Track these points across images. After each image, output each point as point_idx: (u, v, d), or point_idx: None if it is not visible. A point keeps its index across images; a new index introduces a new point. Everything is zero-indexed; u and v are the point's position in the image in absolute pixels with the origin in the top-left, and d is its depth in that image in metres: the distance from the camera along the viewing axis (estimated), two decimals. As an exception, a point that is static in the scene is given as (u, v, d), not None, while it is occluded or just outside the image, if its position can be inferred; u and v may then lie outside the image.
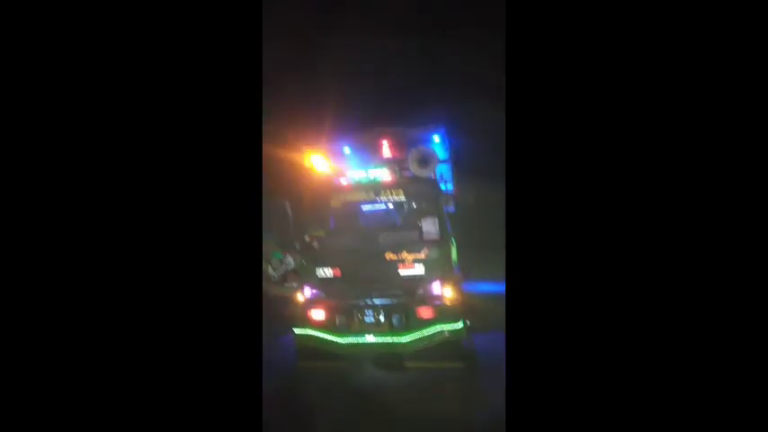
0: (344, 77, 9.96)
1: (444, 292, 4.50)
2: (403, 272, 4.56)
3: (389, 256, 4.59)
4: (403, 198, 4.86)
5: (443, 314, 4.42)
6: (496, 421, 2.73)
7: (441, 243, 4.61)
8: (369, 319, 4.54)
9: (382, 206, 4.97)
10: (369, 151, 4.94)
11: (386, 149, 4.82)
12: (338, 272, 4.69)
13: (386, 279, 4.56)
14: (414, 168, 4.70)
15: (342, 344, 4.53)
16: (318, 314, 4.65)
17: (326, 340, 4.58)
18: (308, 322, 4.67)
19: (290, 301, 4.97)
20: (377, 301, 4.54)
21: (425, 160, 4.74)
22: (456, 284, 4.59)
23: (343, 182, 4.98)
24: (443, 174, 5.45)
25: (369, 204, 4.98)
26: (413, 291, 4.53)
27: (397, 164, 4.90)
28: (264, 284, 5.17)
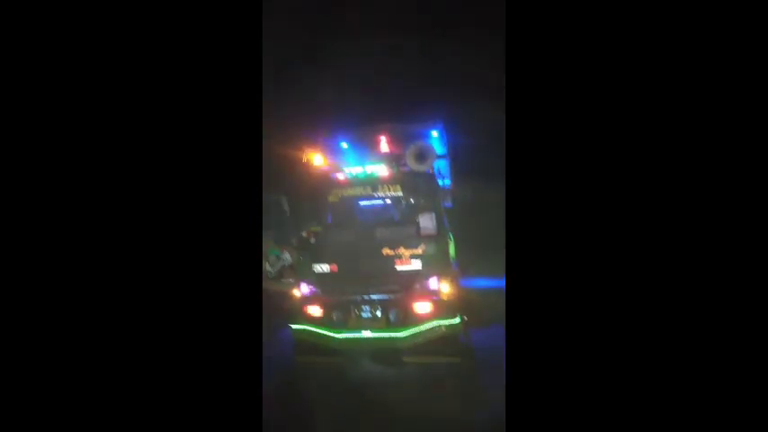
0: (344, 77, 9.98)
1: (441, 287, 4.47)
2: (400, 267, 4.54)
3: (387, 251, 4.56)
4: (400, 193, 4.84)
5: (440, 309, 4.40)
6: (494, 417, 2.72)
7: (438, 238, 4.58)
8: (366, 314, 4.53)
9: (380, 201, 4.96)
10: (366, 146, 4.92)
11: (383, 144, 4.80)
12: (335, 267, 4.67)
13: (383, 274, 4.54)
14: (411, 164, 4.68)
15: (339, 339, 4.51)
16: (315, 310, 4.64)
17: (323, 336, 4.57)
18: (305, 318, 4.66)
19: (287, 296, 4.95)
20: (374, 297, 4.53)
21: (423, 155, 4.72)
22: (453, 280, 4.57)
23: (341, 177, 4.96)
24: (441, 169, 5.43)
25: (366, 200, 4.96)
26: (410, 286, 4.51)
27: (394, 159, 4.87)
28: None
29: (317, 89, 9.79)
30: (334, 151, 5.00)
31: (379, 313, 4.49)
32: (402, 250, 4.55)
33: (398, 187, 4.82)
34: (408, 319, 4.42)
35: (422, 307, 4.42)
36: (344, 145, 5.02)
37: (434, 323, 4.37)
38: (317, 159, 4.81)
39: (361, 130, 5.02)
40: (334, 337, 4.53)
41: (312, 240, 4.84)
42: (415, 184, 4.80)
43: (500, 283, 1.85)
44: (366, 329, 4.47)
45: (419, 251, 4.52)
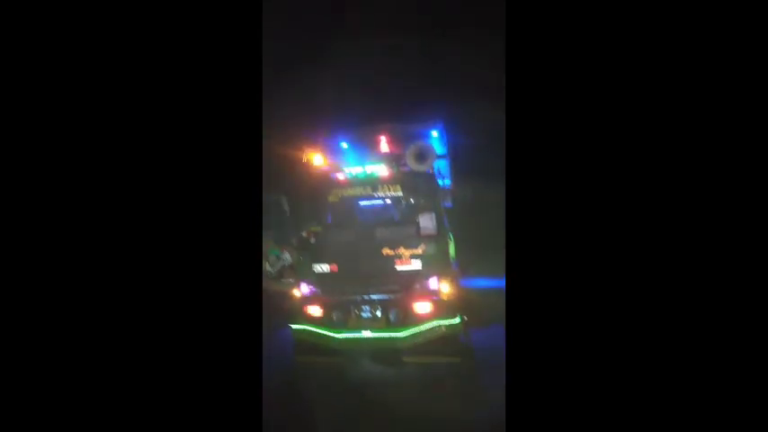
0: (344, 77, 9.98)
1: (441, 287, 4.47)
2: (400, 267, 4.53)
3: (387, 251, 4.56)
4: (400, 193, 4.83)
5: (440, 309, 4.39)
6: (494, 417, 2.71)
7: (438, 238, 4.58)
8: (366, 314, 4.52)
9: (380, 201, 4.95)
10: (366, 146, 4.92)
11: (384, 144, 4.80)
12: (335, 267, 4.67)
13: (383, 274, 4.53)
14: (411, 163, 4.68)
15: (339, 339, 4.51)
16: (315, 310, 4.64)
17: (323, 335, 4.57)
18: (304, 318, 4.66)
19: (286, 296, 4.95)
20: (374, 297, 4.52)
21: (423, 155, 4.71)
22: (453, 280, 4.57)
23: (341, 177, 4.96)
24: (441, 169, 5.42)
25: (366, 200, 4.96)
26: (410, 286, 4.50)
27: (394, 159, 4.86)
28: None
29: (317, 89, 9.78)
30: (334, 151, 5.00)
31: (379, 313, 4.48)
32: (402, 250, 4.54)
33: (398, 187, 4.81)
34: (408, 319, 4.41)
35: (422, 307, 4.41)
36: (344, 145, 5.01)
37: (434, 323, 4.37)
38: (316, 159, 4.80)
39: (361, 130, 5.01)
40: (334, 337, 4.52)
41: (312, 240, 4.84)
42: (415, 184, 4.80)
43: (500, 283, 1.85)
44: (366, 329, 4.46)
45: (419, 251, 4.52)
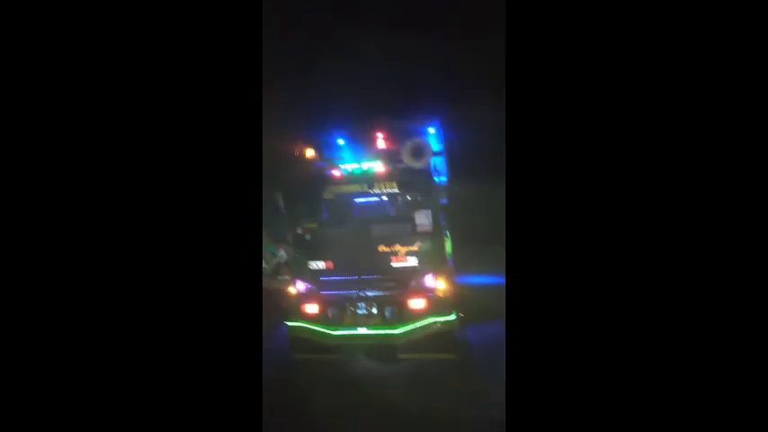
0: (343, 77, 9.99)
1: (437, 284, 4.46)
2: (396, 264, 4.52)
3: (382, 248, 4.55)
4: (396, 190, 4.81)
5: (436, 306, 4.39)
6: (492, 413, 2.70)
7: (434, 235, 4.57)
8: (361, 311, 4.52)
9: (375, 198, 4.92)
10: (363, 143, 4.91)
11: (380, 141, 4.79)
12: (331, 264, 4.67)
13: (379, 271, 4.52)
14: (408, 160, 4.67)
15: (334, 336, 4.50)
16: (311, 307, 4.63)
17: (319, 332, 4.56)
18: (300, 315, 4.65)
19: (282, 293, 4.94)
20: (369, 294, 4.51)
21: (419, 152, 4.70)
22: (449, 277, 4.57)
23: (337, 174, 4.95)
24: (437, 166, 5.41)
25: (362, 196, 4.94)
26: (406, 283, 4.49)
27: (390, 156, 4.85)
28: (258, 278, 5.14)
29: (316, 89, 9.80)
30: (330, 148, 4.99)
31: (374, 310, 4.48)
32: (398, 247, 4.54)
33: (394, 184, 4.80)
34: (404, 315, 4.41)
35: (417, 304, 4.40)
36: (341, 141, 5.01)
37: (430, 320, 4.36)
38: (311, 155, 4.80)
39: (358, 127, 5.01)
40: (329, 334, 4.52)
41: (308, 237, 4.83)
42: (412, 180, 4.78)
43: (496, 279, 1.84)
44: (362, 326, 4.46)
45: (415, 248, 4.51)
